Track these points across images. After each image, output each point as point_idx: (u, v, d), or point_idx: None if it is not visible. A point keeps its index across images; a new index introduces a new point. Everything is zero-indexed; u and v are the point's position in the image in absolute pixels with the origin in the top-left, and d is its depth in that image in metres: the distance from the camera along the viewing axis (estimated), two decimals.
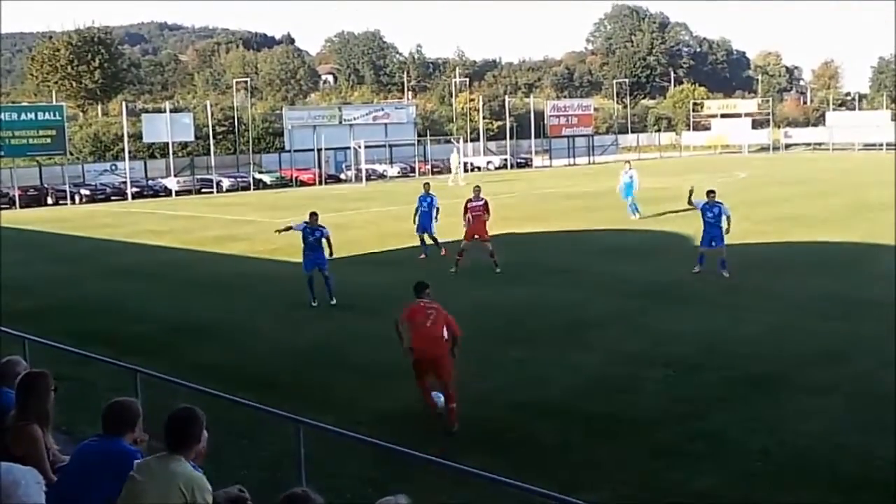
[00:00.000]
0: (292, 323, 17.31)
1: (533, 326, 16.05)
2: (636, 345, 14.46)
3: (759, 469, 9.33)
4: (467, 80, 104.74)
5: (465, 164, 68.50)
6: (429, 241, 24.30)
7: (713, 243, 20.45)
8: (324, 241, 18.68)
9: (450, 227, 24.59)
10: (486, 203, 22.77)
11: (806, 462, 9.52)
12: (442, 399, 10.98)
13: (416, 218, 24.59)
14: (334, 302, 18.33)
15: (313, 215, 18.95)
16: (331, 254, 18.78)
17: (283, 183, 62.58)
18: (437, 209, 24.38)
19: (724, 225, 20.45)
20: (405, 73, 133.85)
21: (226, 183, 60.80)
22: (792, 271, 20.54)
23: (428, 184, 25.54)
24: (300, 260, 19.10)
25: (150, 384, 9.00)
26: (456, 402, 10.80)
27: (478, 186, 23.97)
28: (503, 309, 17.59)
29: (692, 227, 27.78)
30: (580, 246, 25.56)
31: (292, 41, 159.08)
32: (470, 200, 22.86)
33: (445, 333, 11.11)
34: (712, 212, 20.60)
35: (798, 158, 76.87)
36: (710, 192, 20.99)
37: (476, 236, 22.41)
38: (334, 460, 8.62)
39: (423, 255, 23.75)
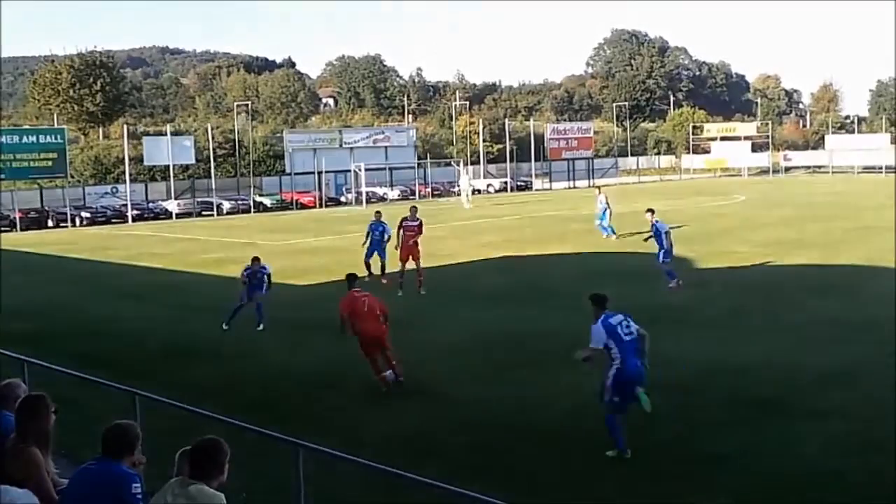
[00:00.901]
0: (292, 346, 17.29)
1: (533, 349, 16.01)
2: None
3: (761, 493, 9.28)
4: (467, 103, 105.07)
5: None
6: (375, 269, 24.05)
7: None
8: (265, 278, 19.27)
9: (462, 249, 24.57)
10: (420, 224, 23.27)
11: (808, 486, 9.47)
12: (391, 373, 13.43)
13: (367, 245, 24.23)
14: (261, 328, 18.59)
15: (255, 259, 19.53)
16: (269, 288, 19.38)
17: (283, 206, 62.72)
18: (389, 236, 23.92)
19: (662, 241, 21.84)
20: (405, 96, 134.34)
21: (226, 205, 60.94)
22: (792, 294, 20.53)
23: (379, 212, 25.34)
24: (300, 283, 19.11)
25: (149, 407, 8.98)
26: (396, 359, 13.45)
27: (414, 207, 24.28)
28: (503, 332, 17.57)
29: (693, 250, 27.88)
30: (580, 269, 25.54)
31: (293, 65, 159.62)
32: (405, 219, 23.25)
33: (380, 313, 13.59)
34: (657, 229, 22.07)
35: (797, 181, 77.02)
36: (650, 211, 22.71)
37: (410, 256, 22.77)
38: (336, 484, 8.59)
39: (368, 277, 23.18)
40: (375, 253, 23.97)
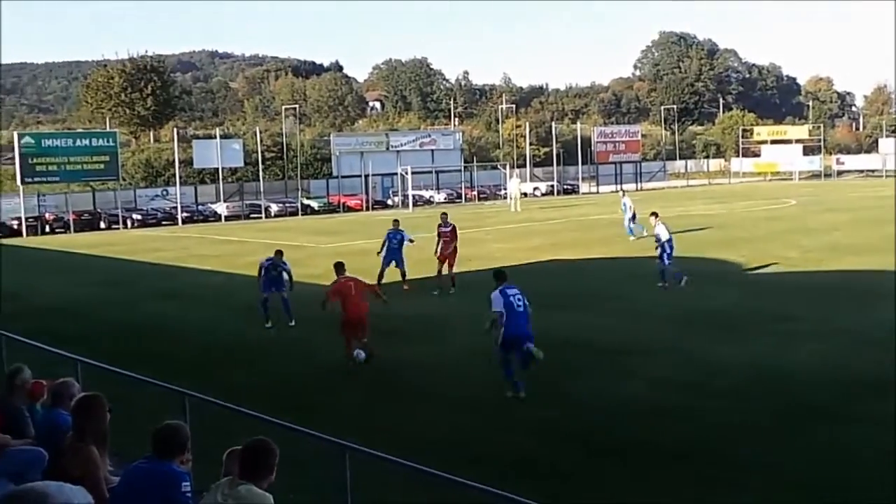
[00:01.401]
0: (337, 348, 17.39)
1: (575, 354, 15.96)
2: (681, 373, 14.33)
3: (805, 500, 9.18)
4: (514, 106, 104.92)
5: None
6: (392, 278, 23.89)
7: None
8: (284, 274, 19.51)
9: (506, 252, 24.54)
10: (453, 228, 23.75)
11: (856, 495, 9.35)
12: (363, 354, 14.87)
13: (383, 254, 23.94)
14: (293, 323, 18.92)
15: (278, 252, 19.89)
16: (291, 287, 19.50)
17: (330, 208, 63.14)
18: (410, 240, 23.92)
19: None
20: (452, 99, 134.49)
21: (274, 208, 61.48)
22: (842, 299, 20.24)
23: (397, 220, 25.20)
24: None
25: (197, 407, 9.11)
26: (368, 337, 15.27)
27: (444, 213, 24.89)
28: (545, 336, 17.48)
29: (742, 254, 27.61)
30: (624, 272, 25.40)
31: (340, 68, 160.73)
32: (439, 226, 23.92)
33: (365, 298, 15.58)
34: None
35: (850, 185, 75.86)
36: (653, 214, 23.91)
37: (446, 260, 23.40)
38: (380, 486, 8.64)
39: (379, 286, 22.98)
40: (393, 262, 23.73)
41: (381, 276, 23.33)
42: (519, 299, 13.63)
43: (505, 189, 63.41)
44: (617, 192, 58.98)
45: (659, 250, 23.04)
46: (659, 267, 22.93)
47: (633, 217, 33.72)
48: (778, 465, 10.22)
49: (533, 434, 11.61)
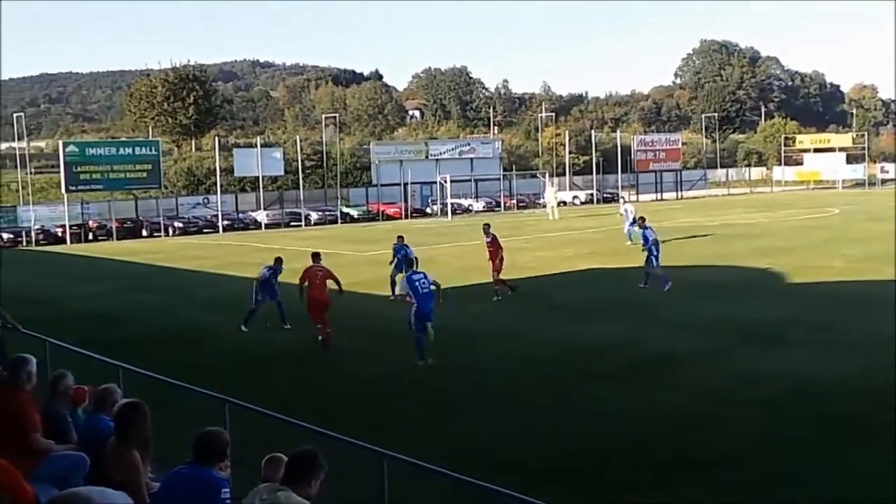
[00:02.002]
0: (372, 355, 17.47)
1: (615, 363, 15.90)
2: (721, 383, 14.21)
3: None
4: (553, 114, 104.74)
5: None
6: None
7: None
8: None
9: (545, 261, 24.51)
10: (493, 238, 24.06)
11: None
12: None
13: (394, 263, 24.21)
14: (288, 327, 19.95)
15: (279, 260, 21.02)
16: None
17: (370, 217, 63.37)
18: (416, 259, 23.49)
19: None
20: (491, 108, 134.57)
21: (314, 216, 61.83)
22: (885, 311, 19.94)
23: (402, 236, 25.34)
24: (383, 293, 19.26)
25: (238, 413, 9.19)
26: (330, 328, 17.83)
27: (486, 224, 25.14)
28: (586, 345, 17.48)
29: (784, 264, 27.33)
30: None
31: (380, 77, 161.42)
32: (485, 237, 24.38)
33: (329, 285, 18.34)
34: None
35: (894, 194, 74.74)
36: (641, 219, 25.05)
37: (491, 267, 23.75)
38: (416, 494, 8.66)
39: (392, 298, 23.16)
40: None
41: (392, 283, 23.84)
42: (423, 283, 16.51)
43: (543, 198, 63.28)
44: (657, 200, 58.72)
45: (646, 253, 24.06)
46: (655, 272, 23.69)
47: (634, 222, 33.05)
48: (810, 477, 10.11)
49: (565, 442, 11.58)
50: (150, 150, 58.53)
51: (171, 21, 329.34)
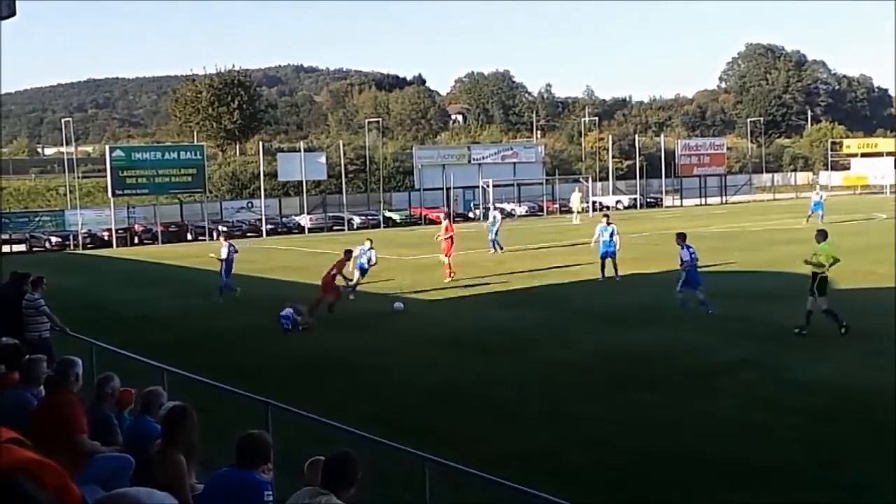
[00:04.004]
0: (418, 361, 17.47)
1: (661, 370, 15.76)
2: (769, 391, 14.04)
3: None
4: (597, 119, 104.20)
5: (595, 203, 67.97)
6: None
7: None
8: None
9: (586, 266, 24.39)
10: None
11: None
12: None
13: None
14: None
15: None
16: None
17: (412, 221, 63.48)
18: (370, 261, 26.26)
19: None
20: (534, 112, 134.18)
21: (357, 220, 62.06)
22: None
23: (370, 239, 27.43)
24: (426, 297, 19.27)
25: (280, 417, 9.24)
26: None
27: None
28: (631, 351, 17.36)
29: (830, 268, 26.86)
30: (710, 287, 24.96)
31: (423, 82, 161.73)
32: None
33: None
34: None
35: None
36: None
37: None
38: (459, 499, 8.64)
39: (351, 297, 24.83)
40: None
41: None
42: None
43: (586, 202, 63.02)
44: (701, 205, 58.08)
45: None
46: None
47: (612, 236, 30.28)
48: (864, 487, 9.95)
49: (612, 451, 11.50)
50: (195, 154, 59.07)
51: (216, 26, 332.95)
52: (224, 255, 26.47)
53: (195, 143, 69.63)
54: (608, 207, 70.63)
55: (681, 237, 21.81)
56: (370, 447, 8.57)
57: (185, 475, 6.60)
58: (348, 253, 24.44)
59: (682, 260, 21.46)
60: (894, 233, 35.26)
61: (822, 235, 19.57)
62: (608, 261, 26.69)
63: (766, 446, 11.46)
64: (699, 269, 21.76)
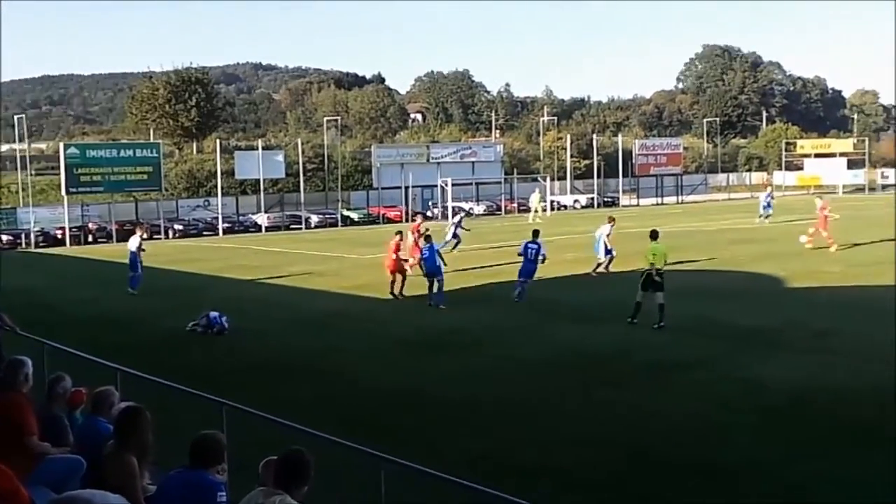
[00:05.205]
0: (372, 360, 17.42)
1: (617, 368, 15.87)
2: (723, 390, 14.18)
3: None
4: (555, 118, 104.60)
5: (553, 202, 68.23)
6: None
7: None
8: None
9: (545, 265, 24.45)
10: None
11: None
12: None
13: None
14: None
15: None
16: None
17: (370, 220, 63.33)
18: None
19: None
20: (493, 111, 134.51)
21: (314, 219, 61.75)
22: (885, 316, 19.87)
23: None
24: (383, 297, 19.23)
25: (234, 418, 9.15)
26: None
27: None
28: (587, 350, 17.45)
29: (784, 269, 27.28)
30: (666, 286, 25.20)
31: (382, 80, 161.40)
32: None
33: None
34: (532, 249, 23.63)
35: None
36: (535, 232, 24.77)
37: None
38: (414, 500, 8.61)
39: None
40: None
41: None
42: None
43: (544, 202, 63.28)
44: (657, 204, 58.55)
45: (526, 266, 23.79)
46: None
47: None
48: (819, 484, 10.07)
49: (576, 448, 11.54)
50: (151, 152, 58.41)
51: (173, 23, 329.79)
52: (133, 246, 28.01)
53: (151, 140, 68.90)
54: (564, 207, 71.04)
55: (534, 233, 24.41)
56: (326, 447, 8.52)
57: (137, 476, 6.51)
58: (400, 234, 25.81)
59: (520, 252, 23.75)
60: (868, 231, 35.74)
61: (654, 235, 20.78)
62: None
63: (719, 445, 11.57)
64: (535, 263, 23.45)
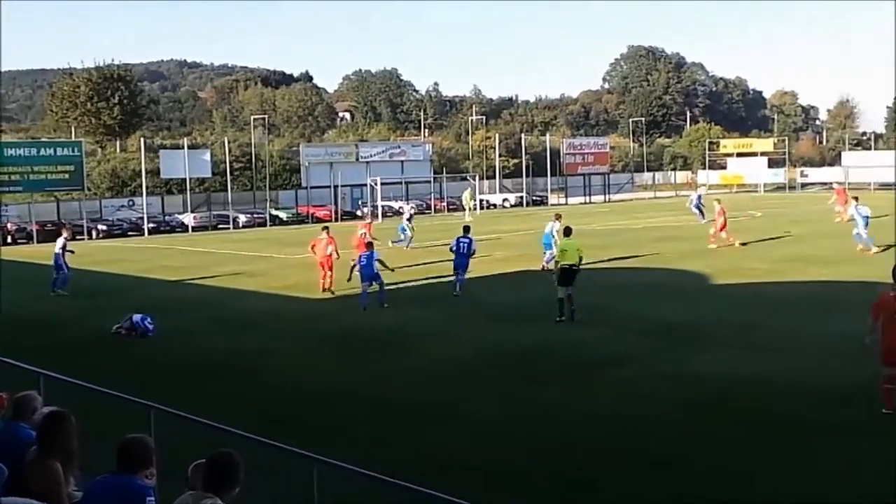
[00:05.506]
0: (303, 360, 17.30)
1: (545, 365, 15.97)
2: (653, 385, 14.36)
3: None
4: (484, 118, 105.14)
5: (481, 201, 68.51)
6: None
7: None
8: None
9: (476, 264, 24.54)
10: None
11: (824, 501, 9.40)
12: None
13: None
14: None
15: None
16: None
17: (299, 219, 62.85)
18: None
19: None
20: (422, 110, 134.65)
21: (242, 219, 61.06)
22: (809, 310, 20.41)
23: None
24: (313, 296, 19.11)
25: (163, 421, 8.98)
26: None
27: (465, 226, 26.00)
28: (516, 348, 17.54)
29: (709, 266, 27.78)
30: (594, 284, 25.44)
31: (310, 79, 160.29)
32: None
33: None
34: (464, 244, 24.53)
35: (814, 198, 76.59)
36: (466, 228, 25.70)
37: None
38: (352, 500, 8.55)
39: None
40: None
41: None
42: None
43: (474, 199, 63.52)
44: (585, 203, 59.11)
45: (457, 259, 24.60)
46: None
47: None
48: (744, 476, 10.25)
49: (503, 446, 11.58)
50: (73, 150, 57.11)
51: (94, 19, 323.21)
52: (58, 247, 28.05)
53: (73, 139, 67.43)
54: (494, 205, 71.39)
55: (465, 228, 25.39)
56: (257, 449, 8.41)
57: (62, 483, 6.33)
58: (327, 229, 26.57)
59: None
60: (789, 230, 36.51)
61: (567, 232, 21.59)
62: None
63: (646, 439, 11.71)
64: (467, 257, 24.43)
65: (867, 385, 13.45)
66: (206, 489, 5.47)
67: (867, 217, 31.46)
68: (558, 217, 29.58)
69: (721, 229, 34.09)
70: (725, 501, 9.62)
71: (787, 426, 11.96)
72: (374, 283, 22.81)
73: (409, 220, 39.13)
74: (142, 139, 69.64)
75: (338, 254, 25.40)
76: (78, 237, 53.85)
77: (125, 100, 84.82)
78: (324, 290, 24.97)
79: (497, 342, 18.03)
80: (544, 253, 28.41)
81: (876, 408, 12.15)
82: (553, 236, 28.45)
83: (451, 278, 24.62)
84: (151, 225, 56.97)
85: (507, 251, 34.77)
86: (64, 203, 58.68)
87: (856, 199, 33.98)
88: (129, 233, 56.07)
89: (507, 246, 37.30)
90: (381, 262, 23.12)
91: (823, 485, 9.90)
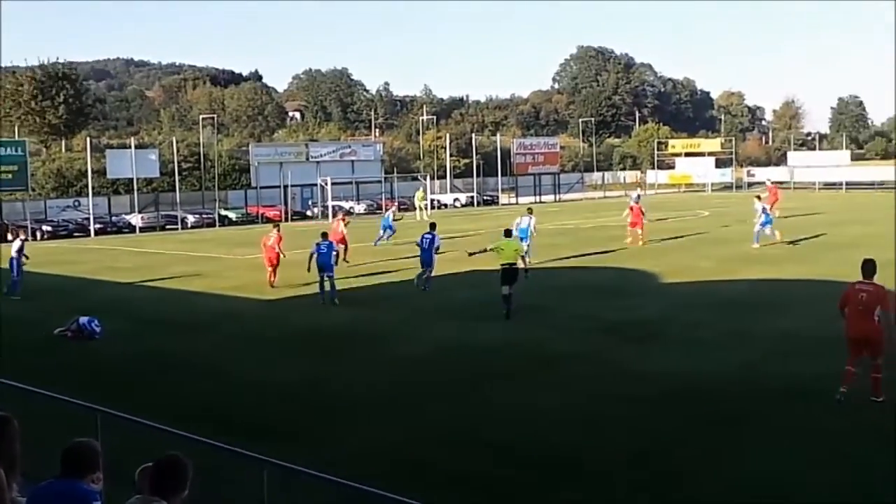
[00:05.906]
0: (256, 361, 17.17)
1: (498, 364, 16.02)
2: (602, 383, 14.46)
3: None
4: (434, 117, 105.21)
5: (433, 200, 68.53)
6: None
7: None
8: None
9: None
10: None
11: (770, 500, 9.53)
12: None
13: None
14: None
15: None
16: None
17: (249, 219, 62.38)
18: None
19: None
20: (372, 110, 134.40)
21: (191, 219, 60.45)
22: (757, 309, 20.69)
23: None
24: (264, 297, 19.01)
25: (110, 424, 8.86)
26: None
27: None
28: (468, 347, 17.57)
29: (657, 264, 28.06)
30: (545, 283, 25.58)
31: (260, 78, 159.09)
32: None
33: None
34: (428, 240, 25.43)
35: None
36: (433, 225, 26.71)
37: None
38: (299, 502, 8.50)
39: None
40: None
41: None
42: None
43: (426, 199, 63.57)
44: (536, 202, 59.31)
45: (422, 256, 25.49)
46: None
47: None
48: (695, 474, 10.36)
49: (457, 444, 11.59)
50: (16, 150, 56.12)
51: (38, 16, 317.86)
52: (14, 249, 27.86)
53: (16, 138, 66.25)
54: (445, 205, 71.48)
55: (431, 225, 26.74)
56: (206, 451, 8.33)
57: (5, 489, 6.21)
58: (277, 227, 27.32)
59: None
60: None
61: (507, 233, 22.47)
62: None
63: (593, 436, 11.79)
64: (430, 252, 25.25)
65: (811, 383, 13.72)
66: (153, 493, 5.41)
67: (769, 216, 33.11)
68: (530, 211, 30.10)
69: (631, 226, 35.15)
70: (663, 498, 9.72)
71: (730, 423, 12.12)
72: (326, 275, 23.11)
73: (394, 218, 40.15)
74: (88, 139, 68.62)
75: (284, 253, 26.01)
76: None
77: (70, 98, 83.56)
78: (272, 285, 25.65)
79: (451, 341, 18.09)
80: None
81: (825, 401, 12.40)
82: (530, 230, 28.87)
83: (409, 278, 24.86)
84: (98, 226, 56.18)
85: (460, 251, 34.78)
86: (7, 203, 57.69)
87: (758, 197, 35.23)
88: (75, 234, 55.21)
89: (458, 245, 37.35)
90: (337, 254, 24.74)
91: (754, 478, 10.02)
